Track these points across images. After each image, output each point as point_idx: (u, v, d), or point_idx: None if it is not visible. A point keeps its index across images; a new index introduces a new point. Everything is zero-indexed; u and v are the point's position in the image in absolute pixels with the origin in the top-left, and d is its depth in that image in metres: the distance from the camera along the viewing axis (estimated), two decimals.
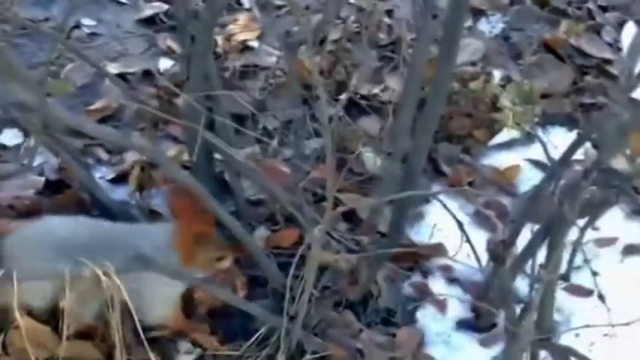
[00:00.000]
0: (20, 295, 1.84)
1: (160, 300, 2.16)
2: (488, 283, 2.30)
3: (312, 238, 1.92)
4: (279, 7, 3.49)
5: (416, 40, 2.44)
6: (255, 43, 3.36)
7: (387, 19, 3.36)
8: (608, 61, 3.29)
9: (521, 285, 2.24)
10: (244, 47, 3.35)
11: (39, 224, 2.17)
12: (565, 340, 2.22)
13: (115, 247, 2.05)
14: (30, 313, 2.12)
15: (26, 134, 2.84)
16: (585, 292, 2.41)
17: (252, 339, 2.18)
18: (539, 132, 2.87)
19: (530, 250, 2.03)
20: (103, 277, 1.85)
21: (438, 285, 2.43)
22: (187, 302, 2.25)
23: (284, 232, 2.51)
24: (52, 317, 2.15)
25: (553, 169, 2.01)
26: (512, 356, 1.94)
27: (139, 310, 2.03)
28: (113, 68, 3.09)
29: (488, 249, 1.85)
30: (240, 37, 3.35)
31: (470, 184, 2.71)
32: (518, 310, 1.94)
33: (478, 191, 2.66)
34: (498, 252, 1.71)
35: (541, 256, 1.99)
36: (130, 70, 3.21)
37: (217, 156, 2.49)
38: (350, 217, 2.59)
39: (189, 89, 2.15)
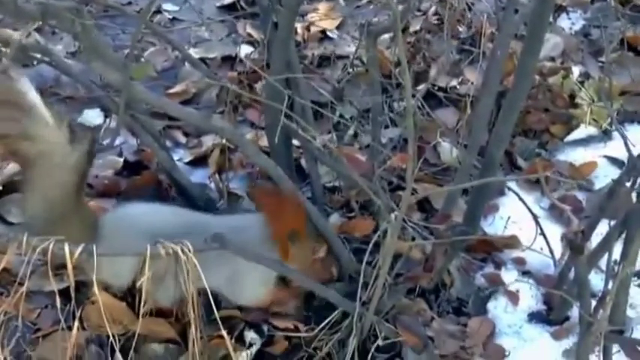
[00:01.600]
0: (100, 273, 1.87)
1: (259, 282, 2.18)
2: (561, 276, 2.29)
3: (389, 226, 1.93)
4: None
5: (497, 34, 2.44)
6: (334, 33, 3.38)
7: (467, 13, 3.35)
8: None
9: (595, 280, 2.24)
10: (323, 36, 3.37)
11: (135, 207, 2.20)
12: (637, 334, 2.23)
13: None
14: (107, 289, 2.16)
15: (107, 115, 2.89)
16: None
17: (325, 322, 2.20)
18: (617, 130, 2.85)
19: (606, 244, 2.02)
20: (182, 256, 1.87)
21: (510, 277, 2.42)
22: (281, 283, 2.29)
23: (359, 222, 2.53)
24: (129, 295, 2.19)
25: (632, 165, 1.99)
26: (586, 348, 1.93)
27: (233, 293, 2.06)
28: (194, 53, 3.13)
29: (566, 239, 1.84)
30: (320, 26, 3.37)
31: (546, 179, 2.69)
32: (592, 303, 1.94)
33: (555, 179, 2.64)
34: (577, 242, 1.70)
35: (616, 251, 1.98)
36: (210, 56, 3.25)
37: (295, 142, 2.51)
38: (424, 206, 2.61)
39: (271, 75, 2.17)
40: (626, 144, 1.97)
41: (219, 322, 1.95)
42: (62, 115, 2.01)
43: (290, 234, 2.08)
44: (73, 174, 1.99)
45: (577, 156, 2.86)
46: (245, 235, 2.09)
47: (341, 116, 2.65)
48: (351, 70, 3.10)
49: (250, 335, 2.24)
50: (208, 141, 2.79)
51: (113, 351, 1.99)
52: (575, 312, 2.29)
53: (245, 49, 3.24)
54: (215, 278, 2.00)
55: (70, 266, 1.77)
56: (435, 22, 3.26)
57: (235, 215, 2.31)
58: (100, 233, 2.07)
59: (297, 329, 2.24)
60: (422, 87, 2.85)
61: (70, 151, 1.97)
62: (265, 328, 2.27)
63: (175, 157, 2.70)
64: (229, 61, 3.22)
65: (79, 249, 1.79)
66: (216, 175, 2.65)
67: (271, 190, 2.10)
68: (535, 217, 2.36)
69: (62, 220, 2.00)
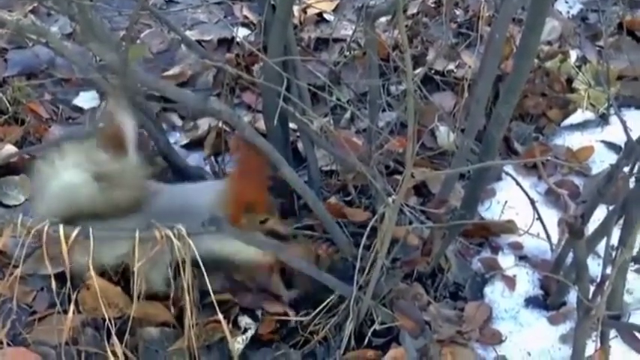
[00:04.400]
0: (95, 255, 1.86)
1: None
2: (558, 261, 2.29)
3: (387, 209, 1.92)
4: None
5: (495, 17, 2.43)
6: (331, 15, 3.36)
7: None
8: None
9: (592, 265, 2.23)
10: (320, 18, 3.36)
11: None
12: (634, 320, 2.22)
13: (171, 206, 2.09)
14: (103, 274, 2.15)
15: (103, 97, 2.88)
16: None
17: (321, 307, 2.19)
18: (614, 114, 2.84)
19: (605, 229, 2.01)
20: (175, 240, 1.87)
21: (507, 261, 2.42)
22: None
23: (356, 210, 2.53)
24: (122, 278, 2.18)
25: (630, 149, 1.99)
26: (583, 333, 1.93)
27: (228, 254, 2.06)
28: (190, 35, 3.10)
29: (565, 224, 1.83)
30: (317, 8, 3.35)
31: (542, 164, 2.68)
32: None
33: (552, 164, 2.64)
34: (576, 226, 1.70)
35: (614, 236, 1.98)
36: (207, 38, 3.24)
37: (292, 125, 2.50)
38: (421, 191, 2.60)
39: (268, 57, 2.16)
40: (624, 128, 1.96)
41: (216, 306, 1.95)
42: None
43: (248, 203, 2.08)
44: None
45: (574, 140, 2.85)
46: (199, 198, 2.11)
47: (338, 99, 2.64)
48: (348, 53, 3.09)
49: (245, 320, 2.24)
50: (204, 124, 2.78)
51: (109, 334, 1.99)
52: (571, 297, 2.29)
53: (241, 32, 3.22)
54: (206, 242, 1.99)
55: (64, 249, 1.77)
56: (433, 5, 3.25)
57: (189, 184, 2.32)
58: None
59: (286, 314, 2.24)
60: (419, 71, 2.83)
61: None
62: (259, 313, 2.26)
63: (171, 140, 2.69)
64: (225, 43, 3.21)
65: (75, 231, 1.78)
66: (212, 158, 2.64)
67: (255, 153, 2.09)
68: (532, 202, 2.35)
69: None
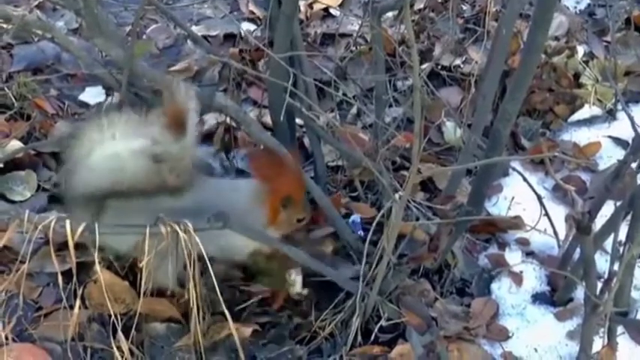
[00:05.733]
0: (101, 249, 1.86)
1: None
2: (565, 258, 2.28)
3: (394, 205, 1.92)
4: None
5: (502, 13, 2.42)
6: (336, 11, 3.36)
7: None
8: None
9: (599, 261, 2.22)
10: (326, 14, 3.35)
11: None
12: None
13: (216, 197, 2.08)
14: (109, 268, 2.15)
15: (109, 92, 2.88)
16: None
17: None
18: (622, 110, 2.84)
19: (612, 225, 2.01)
20: (183, 235, 1.86)
21: (514, 257, 2.42)
22: None
23: (363, 206, 2.52)
24: (130, 273, 2.18)
25: (637, 145, 1.98)
26: (590, 329, 1.93)
27: (229, 249, 2.05)
28: (196, 31, 3.11)
29: (573, 220, 1.83)
30: (323, 3, 3.35)
31: (549, 159, 2.68)
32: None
33: (559, 160, 2.64)
34: (584, 223, 1.69)
35: (622, 232, 1.98)
36: (212, 33, 3.23)
37: (298, 120, 2.50)
38: (427, 186, 2.60)
39: (274, 53, 2.15)
40: (632, 124, 1.95)
41: (222, 301, 1.95)
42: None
43: (284, 198, 2.08)
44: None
45: (581, 136, 2.85)
46: (234, 196, 2.10)
47: (344, 95, 2.64)
48: (354, 48, 3.08)
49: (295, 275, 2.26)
50: (211, 119, 2.77)
51: (115, 330, 1.99)
52: (578, 293, 2.28)
53: (247, 27, 3.22)
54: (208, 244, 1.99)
55: (71, 244, 1.76)
56: (440, 0, 3.24)
57: (226, 179, 2.31)
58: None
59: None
60: (426, 66, 2.83)
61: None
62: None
63: None
64: (231, 38, 3.20)
65: (81, 226, 1.78)
66: (222, 153, 2.64)
67: (269, 154, 2.09)
68: (539, 198, 2.35)
69: None
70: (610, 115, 2.90)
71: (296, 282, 2.22)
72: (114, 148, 1.97)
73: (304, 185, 2.14)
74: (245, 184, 2.17)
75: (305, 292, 2.23)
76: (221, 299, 1.94)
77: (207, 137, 2.71)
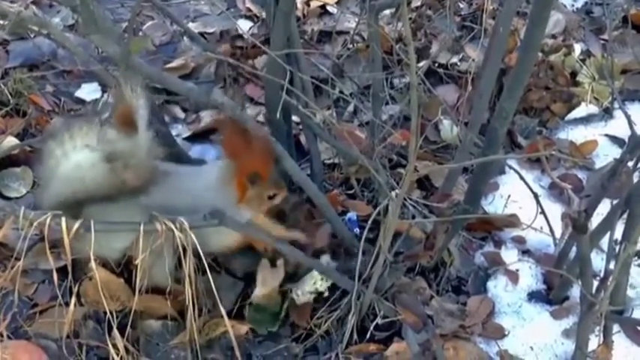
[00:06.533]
0: (96, 247, 1.85)
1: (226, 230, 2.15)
2: (561, 256, 2.28)
3: (390, 203, 1.91)
4: None
5: (499, 10, 2.42)
6: (334, 8, 3.35)
7: None
8: None
9: (595, 260, 2.22)
10: (323, 11, 3.35)
11: None
12: (637, 315, 2.22)
13: (170, 188, 2.08)
14: (105, 265, 2.14)
15: (105, 89, 2.87)
16: None
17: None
18: (618, 108, 2.83)
19: (608, 224, 2.00)
20: (177, 233, 1.85)
21: (510, 256, 2.42)
22: None
23: (359, 203, 2.52)
24: (125, 270, 2.18)
25: (634, 143, 1.98)
26: (586, 327, 1.92)
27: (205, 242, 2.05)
28: (192, 27, 3.10)
29: (569, 218, 1.83)
30: (320, 0, 3.34)
31: (546, 158, 2.67)
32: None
33: (555, 158, 2.63)
34: (580, 221, 1.69)
35: (618, 231, 1.97)
36: (209, 30, 3.23)
37: (295, 118, 2.50)
38: (424, 184, 2.60)
39: (271, 50, 2.15)
40: (629, 122, 1.95)
41: (218, 300, 1.94)
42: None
43: (251, 175, 2.07)
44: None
45: (578, 134, 2.85)
46: (201, 180, 2.11)
47: (341, 92, 2.63)
48: (351, 45, 3.08)
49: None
50: (207, 117, 2.77)
51: (110, 327, 1.99)
52: (574, 292, 2.29)
53: (244, 24, 3.22)
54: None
55: (66, 241, 1.76)
56: None
57: (192, 166, 2.31)
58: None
59: None
60: (423, 64, 2.83)
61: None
62: None
63: (174, 133, 2.69)
64: (228, 35, 3.19)
65: (77, 224, 1.77)
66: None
67: (239, 132, 2.08)
68: (535, 196, 2.35)
69: None
70: (607, 113, 2.91)
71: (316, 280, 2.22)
72: (76, 159, 1.99)
73: (271, 161, 2.12)
74: (210, 166, 2.21)
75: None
76: (218, 299, 1.94)
77: (202, 135, 2.72)
